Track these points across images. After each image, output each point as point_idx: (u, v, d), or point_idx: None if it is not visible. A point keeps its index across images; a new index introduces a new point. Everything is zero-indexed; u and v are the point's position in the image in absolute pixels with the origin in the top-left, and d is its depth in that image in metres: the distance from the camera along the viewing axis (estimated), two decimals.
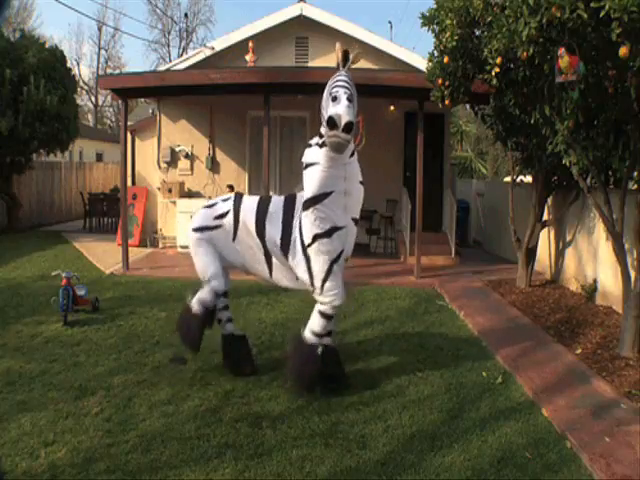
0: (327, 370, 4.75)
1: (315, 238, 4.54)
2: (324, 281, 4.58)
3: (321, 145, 4.44)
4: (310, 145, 4.64)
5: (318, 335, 4.65)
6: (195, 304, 4.99)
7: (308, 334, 4.67)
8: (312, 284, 4.65)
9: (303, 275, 4.69)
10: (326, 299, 4.61)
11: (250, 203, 4.97)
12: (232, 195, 5.16)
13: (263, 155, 9.71)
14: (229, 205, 4.99)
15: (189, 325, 5.01)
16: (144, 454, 3.67)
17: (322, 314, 4.65)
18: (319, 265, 4.57)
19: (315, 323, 4.67)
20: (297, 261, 4.70)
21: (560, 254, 9.10)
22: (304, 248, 4.62)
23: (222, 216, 4.96)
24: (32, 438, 3.83)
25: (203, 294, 4.99)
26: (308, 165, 4.58)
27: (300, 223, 4.66)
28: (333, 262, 4.60)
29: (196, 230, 5.03)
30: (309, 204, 4.54)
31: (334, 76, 4.41)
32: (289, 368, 4.73)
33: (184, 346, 5.08)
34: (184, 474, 3.47)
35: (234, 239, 4.94)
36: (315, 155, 4.51)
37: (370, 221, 11.40)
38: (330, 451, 3.76)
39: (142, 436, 3.90)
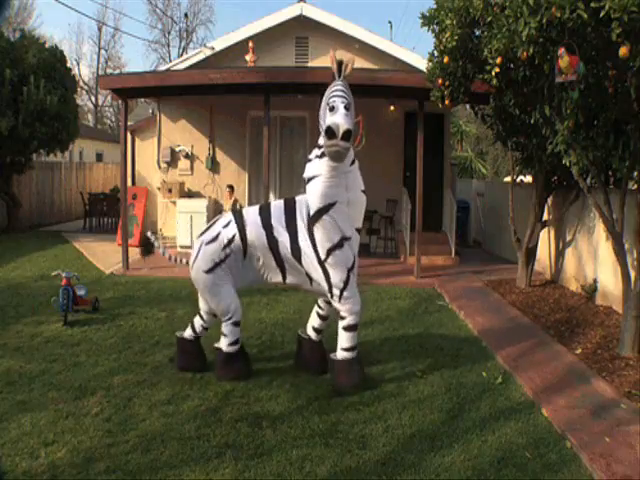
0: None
1: (329, 252, 4.60)
2: (343, 290, 4.65)
3: (320, 156, 4.47)
4: (310, 160, 4.66)
5: (351, 349, 4.73)
6: (227, 349, 4.89)
7: (340, 353, 4.75)
8: (330, 292, 4.71)
9: (322, 282, 4.72)
10: (345, 306, 4.68)
11: (253, 217, 4.83)
12: (230, 216, 4.93)
13: (263, 155, 9.72)
14: (233, 229, 4.78)
15: (234, 364, 4.95)
16: (144, 454, 3.67)
17: (346, 328, 4.72)
18: (338, 276, 4.63)
19: (343, 340, 4.74)
20: (311, 268, 4.73)
21: (560, 254, 9.10)
22: (320, 262, 4.66)
23: (230, 243, 4.76)
24: (32, 438, 3.83)
25: (230, 337, 4.87)
26: (310, 179, 4.60)
27: (309, 232, 4.68)
28: (349, 270, 4.67)
29: (209, 272, 4.74)
30: (316, 217, 4.57)
31: (330, 87, 4.45)
32: (343, 388, 4.70)
33: (236, 380, 4.88)
34: (184, 474, 3.47)
35: (244, 257, 4.84)
36: (316, 168, 4.54)
37: (370, 221, 11.40)
38: (330, 451, 3.76)
39: (142, 436, 3.90)
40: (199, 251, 4.81)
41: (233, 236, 4.77)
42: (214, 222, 5.06)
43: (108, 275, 9.17)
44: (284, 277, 4.90)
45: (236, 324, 4.90)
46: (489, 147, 22.68)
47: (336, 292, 4.66)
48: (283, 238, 4.74)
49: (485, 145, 23.47)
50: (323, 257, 4.64)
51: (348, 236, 4.65)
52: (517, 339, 6.18)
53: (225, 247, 4.76)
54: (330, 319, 5.16)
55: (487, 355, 5.75)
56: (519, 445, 3.91)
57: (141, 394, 4.59)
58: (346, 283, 4.65)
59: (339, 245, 4.60)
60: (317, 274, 4.73)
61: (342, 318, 4.75)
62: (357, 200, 4.66)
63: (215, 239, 4.78)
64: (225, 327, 4.89)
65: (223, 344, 4.93)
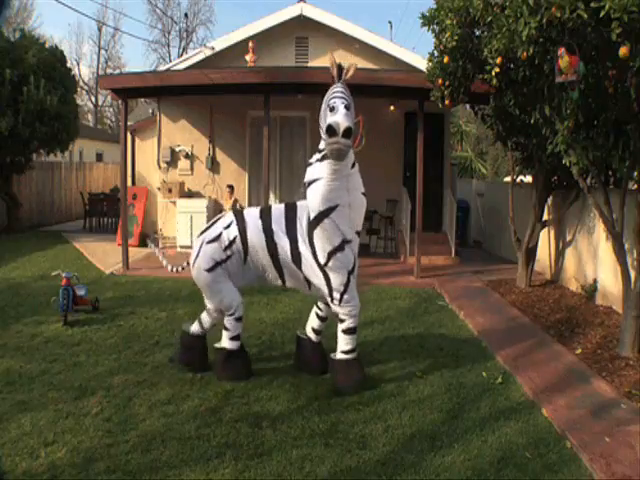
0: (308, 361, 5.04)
1: (330, 255, 4.60)
2: (343, 293, 4.66)
3: (321, 159, 4.47)
4: (310, 164, 4.65)
5: (350, 352, 4.75)
6: (228, 344, 4.93)
7: (340, 355, 4.77)
8: (330, 296, 4.72)
9: (322, 287, 4.73)
10: (345, 310, 4.69)
11: (254, 220, 4.83)
12: (232, 217, 4.92)
13: (263, 155, 9.71)
14: (235, 231, 4.80)
15: (235, 363, 4.96)
16: (144, 454, 3.67)
17: (346, 331, 4.74)
18: (339, 279, 4.64)
19: (342, 342, 4.76)
20: (311, 273, 4.74)
21: (560, 254, 9.10)
22: (320, 266, 4.67)
23: (231, 244, 4.79)
24: (32, 438, 3.83)
25: (232, 331, 4.91)
26: (311, 183, 4.58)
27: (309, 237, 4.68)
28: (350, 273, 4.68)
29: (210, 270, 4.78)
30: (316, 221, 4.56)
31: (330, 89, 4.46)
32: (342, 388, 4.71)
33: (236, 380, 4.88)
34: (184, 474, 3.47)
35: (245, 261, 4.87)
36: (317, 171, 4.52)
37: (370, 221, 11.40)
38: (330, 451, 3.76)
39: (142, 436, 3.89)
40: (200, 250, 4.86)
41: (234, 238, 4.79)
42: (215, 221, 5.06)
43: (108, 275, 9.17)
44: (283, 281, 4.95)
45: (238, 319, 4.94)
46: (489, 147, 22.66)
47: (336, 296, 4.67)
48: (283, 243, 4.74)
49: (485, 145, 23.45)
50: (323, 261, 4.63)
51: (349, 239, 4.66)
52: (517, 339, 6.18)
53: (226, 248, 4.79)
54: (329, 320, 5.17)
55: (487, 355, 5.75)
56: (519, 445, 3.91)
57: (141, 394, 4.58)
58: (346, 286, 4.66)
59: (340, 248, 4.60)
60: (317, 279, 4.73)
61: (341, 321, 4.76)
62: (357, 203, 4.67)
63: (216, 239, 4.82)
64: (227, 321, 4.94)
65: (224, 338, 4.96)
